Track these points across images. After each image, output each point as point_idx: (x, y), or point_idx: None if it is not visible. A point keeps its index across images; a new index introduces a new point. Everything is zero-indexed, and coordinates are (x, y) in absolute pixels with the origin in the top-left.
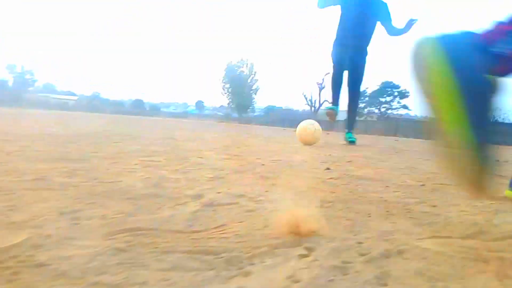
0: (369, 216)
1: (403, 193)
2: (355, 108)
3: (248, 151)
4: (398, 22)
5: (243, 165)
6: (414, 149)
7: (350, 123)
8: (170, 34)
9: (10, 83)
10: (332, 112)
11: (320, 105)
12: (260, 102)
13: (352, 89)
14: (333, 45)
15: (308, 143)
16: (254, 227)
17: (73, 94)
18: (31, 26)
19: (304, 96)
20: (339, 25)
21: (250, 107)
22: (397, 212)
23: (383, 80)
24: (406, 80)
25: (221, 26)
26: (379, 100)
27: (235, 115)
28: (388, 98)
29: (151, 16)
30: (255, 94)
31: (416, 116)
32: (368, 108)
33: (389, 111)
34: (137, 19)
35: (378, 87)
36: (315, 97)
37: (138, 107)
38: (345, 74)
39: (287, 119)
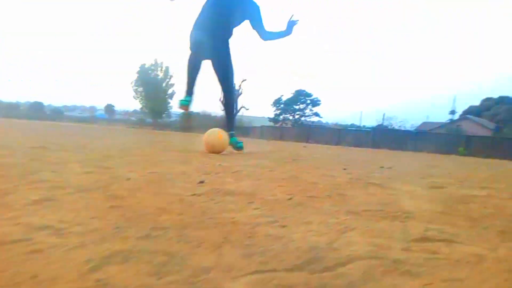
0: (199, 247)
1: (262, 210)
2: (232, 104)
3: (127, 162)
4: (277, 25)
5: (101, 181)
6: (314, 156)
7: (230, 122)
8: (78, 32)
9: None
10: (186, 106)
11: (237, 111)
12: (177, 106)
13: (224, 83)
14: (193, 27)
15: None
16: (7, 283)
17: None
18: None
19: (221, 101)
20: (202, 10)
21: (166, 113)
22: (236, 238)
23: (297, 89)
24: (318, 89)
25: (133, 25)
26: (293, 107)
27: (150, 120)
28: (301, 106)
29: (54, 14)
30: (171, 99)
31: (327, 123)
32: (283, 115)
33: (303, 118)
34: (38, 17)
35: (292, 95)
36: None
37: (36, 111)
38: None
39: (204, 124)
